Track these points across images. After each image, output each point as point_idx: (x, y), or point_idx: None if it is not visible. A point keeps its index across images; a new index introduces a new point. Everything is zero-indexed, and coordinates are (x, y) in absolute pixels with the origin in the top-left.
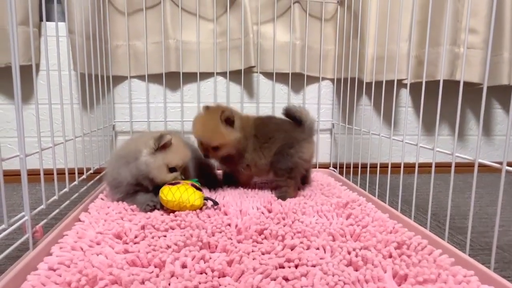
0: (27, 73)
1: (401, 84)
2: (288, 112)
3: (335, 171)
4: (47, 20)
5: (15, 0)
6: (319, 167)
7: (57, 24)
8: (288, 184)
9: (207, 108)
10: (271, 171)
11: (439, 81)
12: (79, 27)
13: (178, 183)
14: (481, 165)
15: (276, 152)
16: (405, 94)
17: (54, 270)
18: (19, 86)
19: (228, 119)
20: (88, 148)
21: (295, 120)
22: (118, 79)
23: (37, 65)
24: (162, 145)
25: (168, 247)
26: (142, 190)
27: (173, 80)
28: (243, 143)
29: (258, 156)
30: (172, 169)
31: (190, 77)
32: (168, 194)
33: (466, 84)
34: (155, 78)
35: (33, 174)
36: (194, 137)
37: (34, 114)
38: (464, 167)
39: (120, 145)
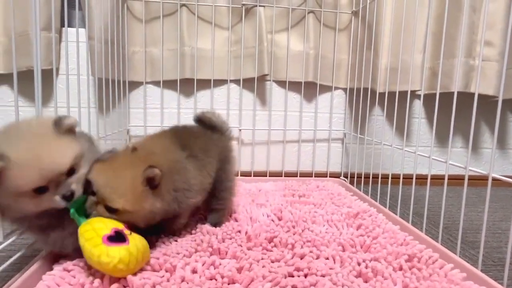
0: (46, 77)
1: (413, 95)
2: (206, 121)
3: (345, 181)
4: (68, 26)
5: (39, 7)
6: (330, 176)
7: (77, 30)
8: (226, 206)
9: (132, 149)
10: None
11: (453, 93)
12: (98, 33)
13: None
14: (496, 179)
15: (217, 170)
16: (417, 105)
17: (69, 271)
18: (40, 90)
19: (152, 180)
20: None
21: (214, 129)
22: (134, 85)
23: (57, 70)
24: None
25: (179, 252)
26: None
27: (187, 86)
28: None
29: (203, 176)
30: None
31: (204, 83)
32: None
33: (480, 96)
34: (170, 84)
35: None
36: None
37: None
38: (478, 180)
39: None
